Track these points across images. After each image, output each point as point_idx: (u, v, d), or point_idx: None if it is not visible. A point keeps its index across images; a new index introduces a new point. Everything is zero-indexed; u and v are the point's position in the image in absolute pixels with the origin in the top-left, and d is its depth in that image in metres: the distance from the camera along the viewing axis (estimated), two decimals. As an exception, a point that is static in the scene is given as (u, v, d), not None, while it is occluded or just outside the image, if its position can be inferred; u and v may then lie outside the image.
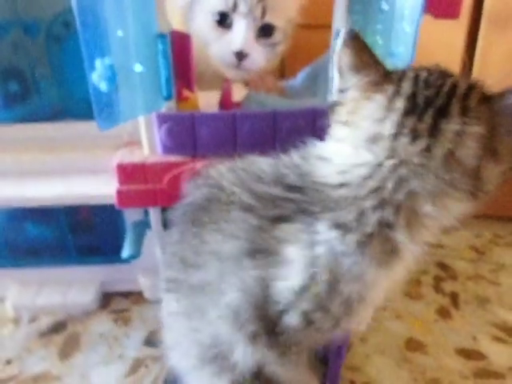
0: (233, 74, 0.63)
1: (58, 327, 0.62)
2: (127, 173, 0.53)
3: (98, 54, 0.41)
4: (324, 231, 0.33)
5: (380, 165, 0.32)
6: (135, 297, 0.67)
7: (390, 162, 0.32)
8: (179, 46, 0.50)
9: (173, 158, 0.53)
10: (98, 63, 0.41)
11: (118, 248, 0.64)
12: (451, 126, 0.31)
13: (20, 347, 0.59)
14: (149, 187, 0.53)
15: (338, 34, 0.46)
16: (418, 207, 0.32)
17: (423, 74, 0.33)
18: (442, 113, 0.31)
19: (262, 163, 0.38)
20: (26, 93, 0.56)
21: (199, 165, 0.53)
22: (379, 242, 0.33)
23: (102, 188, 0.55)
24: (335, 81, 0.36)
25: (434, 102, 0.32)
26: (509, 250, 0.81)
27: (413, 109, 0.32)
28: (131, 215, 0.62)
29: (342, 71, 0.35)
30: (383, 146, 0.32)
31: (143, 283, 0.65)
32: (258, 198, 0.36)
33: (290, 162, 0.37)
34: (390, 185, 0.32)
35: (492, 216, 0.89)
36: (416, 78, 0.33)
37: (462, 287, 0.70)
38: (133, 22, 0.43)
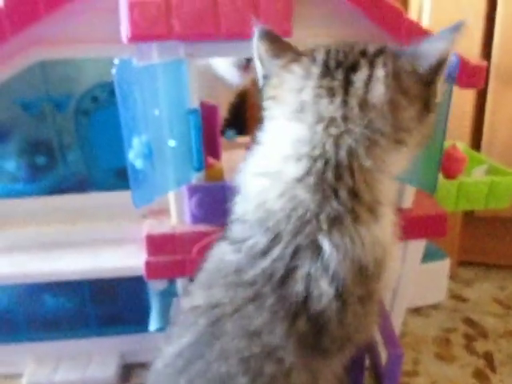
0: (238, 79, 0.63)
1: (78, 406, 0.59)
2: (156, 244, 0.52)
3: (136, 132, 0.42)
4: None
5: (314, 132, 0.34)
6: (157, 368, 0.64)
7: (321, 126, 0.34)
8: (207, 117, 0.51)
9: (202, 228, 0.52)
10: (136, 141, 0.42)
11: (140, 317, 0.63)
12: (359, 75, 0.34)
13: (39, 432, 0.55)
14: (178, 258, 0.53)
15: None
16: (362, 163, 0.34)
17: (333, 47, 0.37)
18: (353, 68, 0.35)
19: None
20: (53, 165, 0.56)
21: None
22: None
23: (128, 260, 0.54)
24: (258, 69, 0.39)
25: (344, 62, 0.35)
26: (535, 302, 0.79)
27: (326, 71, 0.35)
28: (155, 283, 0.61)
29: (263, 59, 0.38)
30: (310, 113, 0.34)
31: (166, 354, 0.63)
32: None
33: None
34: (328, 147, 0.34)
35: (512, 266, 0.89)
36: (328, 49, 0.37)
37: (495, 346, 0.68)
38: (167, 100, 0.44)
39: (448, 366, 0.64)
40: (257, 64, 0.38)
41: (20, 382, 0.62)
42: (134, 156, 0.42)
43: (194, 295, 0.39)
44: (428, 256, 0.66)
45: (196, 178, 0.51)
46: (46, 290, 0.62)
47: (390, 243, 0.37)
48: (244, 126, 1.24)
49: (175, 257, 0.53)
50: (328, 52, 0.36)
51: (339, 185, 0.34)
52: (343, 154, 0.34)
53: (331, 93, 0.34)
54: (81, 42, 0.48)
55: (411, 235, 0.56)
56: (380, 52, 0.35)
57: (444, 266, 0.74)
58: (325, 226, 0.34)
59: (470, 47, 0.74)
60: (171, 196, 0.51)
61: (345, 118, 0.33)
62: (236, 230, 0.38)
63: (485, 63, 0.47)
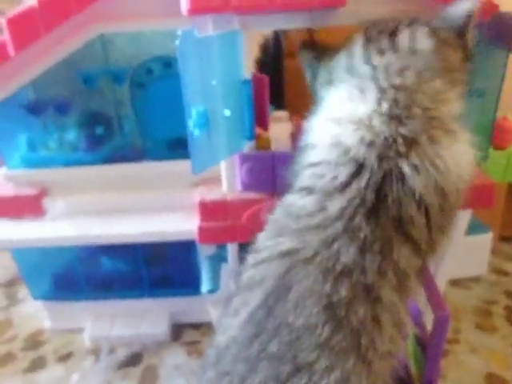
0: None
1: (134, 359, 0.64)
2: (208, 210, 0.55)
3: (195, 102, 0.44)
4: None
5: (375, 74, 0.38)
6: (206, 328, 0.69)
7: (381, 68, 0.38)
8: (257, 88, 0.53)
9: (252, 195, 0.55)
10: (194, 111, 0.44)
11: (190, 280, 0.67)
12: (403, 36, 0.39)
13: (102, 380, 0.61)
14: (228, 223, 0.55)
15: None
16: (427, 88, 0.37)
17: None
18: (394, 33, 0.39)
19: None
20: (110, 135, 0.59)
21: (277, 201, 0.54)
22: None
23: (181, 225, 0.57)
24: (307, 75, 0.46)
25: (385, 30, 0.40)
26: None
27: (369, 40, 0.40)
28: (204, 248, 0.64)
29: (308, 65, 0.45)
30: (365, 67, 0.39)
31: (214, 315, 0.67)
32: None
33: None
34: (394, 79, 0.37)
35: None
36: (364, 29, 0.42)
37: (536, 319, 0.68)
38: (222, 71, 0.46)
39: (488, 336, 0.65)
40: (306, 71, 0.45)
41: (81, 335, 0.68)
42: (193, 125, 0.44)
43: (260, 250, 0.38)
44: (471, 229, 0.66)
45: (247, 146, 0.53)
46: (104, 253, 0.67)
47: (467, 164, 0.37)
48: (282, 101, 1.25)
49: (226, 223, 0.55)
50: (366, 29, 0.41)
51: (413, 105, 0.36)
52: (409, 80, 0.37)
53: (380, 51, 0.39)
54: (141, 15, 0.50)
55: (458, 205, 0.56)
56: (414, 20, 0.40)
57: (486, 239, 0.74)
58: (402, 149, 0.35)
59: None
60: (222, 164, 0.54)
61: (400, 61, 0.38)
62: (305, 176, 0.38)
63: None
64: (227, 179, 0.55)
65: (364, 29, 0.41)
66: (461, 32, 0.40)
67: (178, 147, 0.59)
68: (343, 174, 0.35)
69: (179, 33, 0.39)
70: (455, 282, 0.77)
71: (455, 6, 0.40)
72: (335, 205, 0.35)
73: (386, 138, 0.35)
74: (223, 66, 0.46)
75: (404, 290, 0.35)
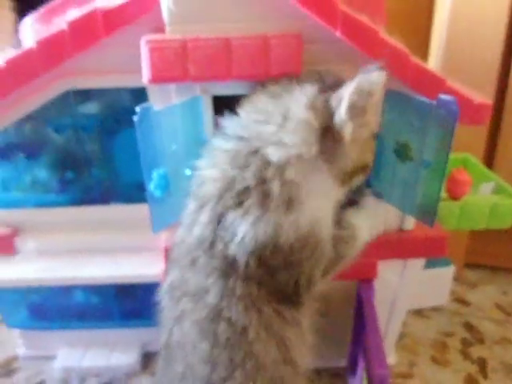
0: None
1: (104, 390, 0.67)
2: (173, 256, 0.57)
3: (155, 166, 0.46)
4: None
5: (239, 138, 0.41)
6: (174, 358, 0.71)
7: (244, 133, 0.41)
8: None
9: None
10: (155, 174, 0.46)
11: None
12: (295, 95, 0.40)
13: (71, 411, 0.63)
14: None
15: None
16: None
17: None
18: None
19: None
20: (81, 178, 0.61)
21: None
22: None
23: (147, 268, 0.59)
24: None
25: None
26: (536, 309, 0.82)
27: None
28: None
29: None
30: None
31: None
32: None
33: None
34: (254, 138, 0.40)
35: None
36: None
37: (489, 353, 0.72)
38: (184, 134, 0.48)
39: (442, 370, 0.69)
40: None
41: (53, 363, 0.70)
42: (154, 187, 0.47)
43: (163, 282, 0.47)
44: (433, 262, 0.69)
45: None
46: (76, 287, 0.69)
47: (316, 225, 0.40)
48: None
49: (190, 268, 0.58)
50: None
51: (247, 165, 0.39)
52: (258, 139, 0.39)
53: (272, 95, 0.41)
54: (108, 73, 0.51)
55: (411, 255, 0.59)
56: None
57: (448, 272, 0.77)
58: (231, 202, 0.39)
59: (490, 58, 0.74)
60: (187, 214, 0.56)
61: (270, 114, 0.39)
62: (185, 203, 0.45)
63: (489, 102, 0.49)
64: (191, 227, 0.57)
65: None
66: (333, 111, 0.38)
67: (145, 190, 0.61)
68: (193, 206, 0.42)
69: (137, 109, 0.41)
70: (416, 312, 0.80)
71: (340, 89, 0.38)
72: (188, 240, 0.42)
73: (224, 184, 0.39)
74: (185, 129, 0.48)
75: (260, 315, 0.40)
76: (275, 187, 0.38)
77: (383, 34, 0.44)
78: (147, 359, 0.71)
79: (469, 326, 0.78)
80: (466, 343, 0.74)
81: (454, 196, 0.60)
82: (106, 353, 0.70)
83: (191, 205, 0.43)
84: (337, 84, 0.39)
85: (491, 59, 0.75)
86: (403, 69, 0.45)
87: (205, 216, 0.40)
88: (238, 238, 0.38)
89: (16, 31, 0.74)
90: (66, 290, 0.69)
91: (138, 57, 0.46)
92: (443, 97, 0.43)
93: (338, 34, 0.44)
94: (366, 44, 0.44)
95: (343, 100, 0.37)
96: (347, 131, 0.38)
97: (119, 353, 0.70)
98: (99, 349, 0.70)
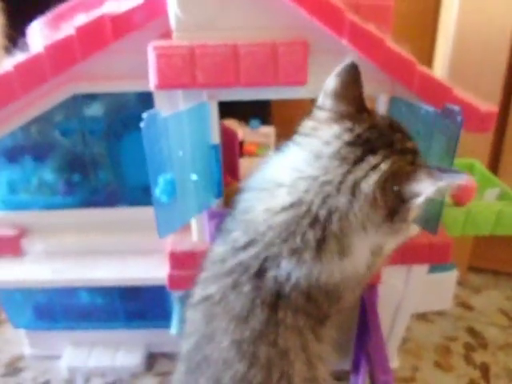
0: None
1: (108, 390, 0.68)
2: (178, 259, 0.57)
3: (161, 171, 0.46)
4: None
5: (313, 179, 0.38)
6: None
7: (321, 178, 0.37)
8: (227, 140, 0.55)
9: (220, 247, 0.58)
10: (161, 180, 0.46)
11: (163, 314, 0.70)
12: (369, 161, 0.37)
13: (76, 411, 0.64)
14: (197, 272, 0.58)
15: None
16: (333, 228, 0.38)
17: (380, 123, 0.39)
18: (371, 151, 0.37)
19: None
20: (88, 181, 0.61)
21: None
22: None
23: (153, 271, 0.60)
24: (320, 97, 0.41)
25: (368, 143, 0.38)
26: (540, 315, 0.82)
27: (353, 142, 0.38)
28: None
29: (326, 94, 0.40)
30: (319, 164, 0.38)
31: (186, 347, 0.70)
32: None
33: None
34: (316, 199, 0.37)
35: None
36: (368, 125, 0.39)
37: (492, 358, 0.72)
38: (191, 140, 0.48)
39: (444, 375, 0.69)
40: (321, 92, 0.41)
41: (59, 362, 0.71)
42: (160, 192, 0.47)
43: (194, 293, 0.45)
44: (436, 266, 0.69)
45: (215, 203, 0.55)
46: (82, 288, 0.70)
47: (360, 267, 0.40)
48: (268, 117, 1.27)
49: (195, 271, 0.58)
50: (366, 128, 0.39)
51: (309, 229, 0.38)
52: (324, 210, 0.37)
53: (343, 161, 0.37)
54: (114, 78, 0.52)
55: (415, 261, 0.59)
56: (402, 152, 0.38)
57: (451, 276, 0.77)
58: (285, 252, 0.38)
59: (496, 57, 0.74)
60: (193, 219, 0.56)
61: (339, 186, 0.37)
62: (227, 221, 0.44)
63: (495, 109, 0.49)
64: (197, 231, 0.58)
65: (365, 127, 0.39)
66: (404, 197, 0.37)
67: (151, 194, 0.61)
68: (243, 239, 0.40)
69: (144, 115, 0.41)
70: (420, 316, 0.81)
71: (419, 177, 0.36)
72: (233, 260, 0.40)
73: (279, 236, 0.38)
74: (192, 135, 0.48)
75: (303, 338, 0.40)
76: (333, 243, 0.38)
77: (390, 43, 0.44)
78: (152, 360, 0.72)
79: (472, 331, 0.78)
80: (469, 348, 0.74)
81: (459, 202, 0.60)
82: (111, 353, 0.70)
83: (240, 234, 0.41)
84: (404, 159, 0.38)
85: (497, 64, 0.75)
86: (410, 77, 0.45)
87: (253, 251, 0.40)
88: (291, 281, 0.38)
89: (3, 33, 0.74)
90: (72, 290, 0.69)
91: (146, 63, 0.46)
92: (449, 106, 0.43)
93: (344, 42, 0.44)
94: (372, 53, 0.44)
95: (421, 196, 0.36)
96: (411, 216, 0.39)
97: (124, 353, 0.70)
98: (104, 349, 0.71)
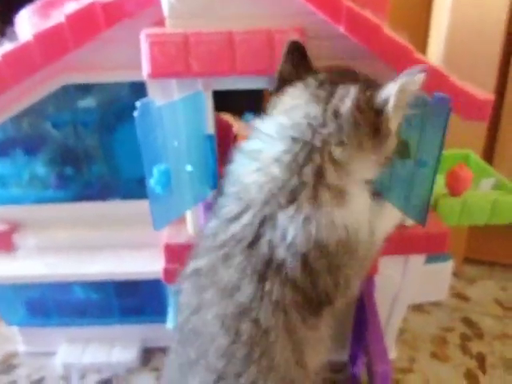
0: None
1: (104, 386, 0.67)
2: (173, 252, 0.57)
3: (156, 162, 0.45)
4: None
5: (298, 122, 0.40)
6: (174, 354, 0.71)
7: (305, 119, 0.40)
8: (222, 131, 0.54)
9: (216, 239, 0.57)
10: (155, 170, 0.45)
11: (160, 309, 0.69)
12: (339, 91, 0.41)
13: (71, 407, 0.63)
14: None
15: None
16: (332, 152, 0.40)
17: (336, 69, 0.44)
18: (339, 85, 0.41)
19: None
20: (80, 174, 0.60)
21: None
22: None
23: (148, 265, 0.59)
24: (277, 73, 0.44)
25: (335, 81, 0.42)
26: (534, 304, 0.82)
27: (321, 85, 0.42)
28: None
29: (280, 79, 0.43)
30: (298, 110, 0.41)
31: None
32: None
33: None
34: (307, 132, 0.40)
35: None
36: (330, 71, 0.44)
37: (488, 348, 0.72)
38: (186, 130, 0.47)
39: (441, 366, 0.69)
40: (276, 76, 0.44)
41: (53, 359, 0.70)
42: (155, 184, 0.46)
43: (186, 268, 0.46)
44: (432, 257, 0.69)
45: (211, 195, 0.54)
46: (76, 283, 0.69)
47: (360, 226, 0.41)
48: (262, 110, 1.26)
49: (191, 263, 0.58)
50: (326, 75, 0.43)
51: (307, 163, 0.39)
52: (318, 140, 0.40)
53: (319, 99, 0.41)
54: (106, 68, 0.51)
55: (412, 251, 0.59)
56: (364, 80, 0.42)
57: (447, 267, 0.77)
58: (283, 201, 0.39)
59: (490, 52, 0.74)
60: (188, 211, 0.56)
61: (324, 117, 0.40)
62: (218, 201, 0.44)
63: (492, 97, 0.48)
64: (193, 224, 0.57)
65: (327, 74, 0.43)
66: (379, 107, 0.40)
67: (146, 186, 0.60)
68: (235, 209, 0.41)
69: (137, 104, 0.41)
70: (416, 307, 0.81)
71: (383, 89, 0.40)
72: (224, 234, 0.41)
73: (276, 186, 0.39)
74: (186, 125, 0.47)
75: (287, 317, 0.40)
76: (331, 178, 0.39)
77: (387, 30, 0.44)
78: (148, 355, 0.71)
79: (468, 322, 0.78)
80: (465, 338, 0.74)
81: (455, 192, 0.60)
82: (107, 349, 0.69)
83: (232, 206, 0.41)
84: (370, 83, 0.42)
85: (491, 55, 0.74)
86: (407, 65, 0.44)
87: (247, 218, 0.40)
88: (288, 239, 0.38)
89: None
90: (65, 286, 0.68)
91: (139, 52, 0.45)
92: (437, 94, 0.43)
93: (341, 29, 0.43)
94: (369, 40, 0.43)
95: (390, 98, 0.39)
96: (393, 125, 0.41)
97: (119, 349, 0.70)
98: (99, 345, 0.70)
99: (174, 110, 0.45)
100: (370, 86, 0.41)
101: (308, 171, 0.39)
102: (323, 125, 0.40)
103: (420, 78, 0.39)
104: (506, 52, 0.75)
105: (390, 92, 0.39)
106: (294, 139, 0.40)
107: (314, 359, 0.43)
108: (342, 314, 0.62)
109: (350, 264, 0.41)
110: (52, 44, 0.46)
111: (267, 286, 0.39)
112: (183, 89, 0.47)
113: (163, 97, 0.48)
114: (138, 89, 0.52)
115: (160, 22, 0.47)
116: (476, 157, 0.73)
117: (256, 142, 0.42)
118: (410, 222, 0.59)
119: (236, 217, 0.41)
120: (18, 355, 0.72)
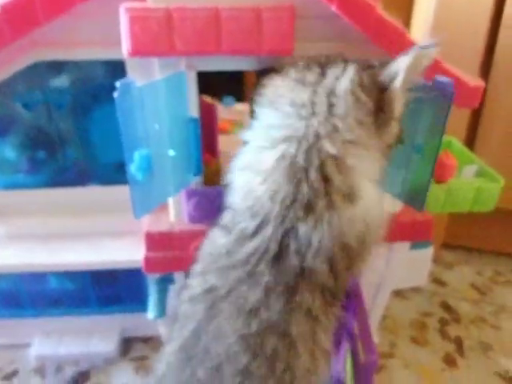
0: None
1: (81, 378, 0.64)
2: (155, 240, 0.54)
3: (137, 146, 0.43)
4: None
5: (287, 116, 0.38)
6: (154, 342, 0.70)
7: (293, 109, 0.37)
8: (205, 115, 0.52)
9: (198, 226, 0.55)
10: (136, 155, 0.43)
11: (139, 297, 0.67)
12: (333, 70, 0.38)
13: (47, 401, 0.61)
14: (175, 254, 0.55)
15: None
16: (328, 149, 0.37)
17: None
18: (328, 66, 0.39)
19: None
20: (53, 158, 0.57)
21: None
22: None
23: (127, 253, 0.57)
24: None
25: (322, 63, 0.39)
26: (508, 288, 0.84)
27: (307, 67, 0.39)
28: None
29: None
30: (284, 99, 0.38)
31: (163, 331, 0.68)
32: None
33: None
34: (300, 128, 0.37)
35: (492, 251, 0.93)
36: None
37: (465, 332, 0.74)
38: (168, 112, 0.45)
39: (421, 350, 0.70)
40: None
41: (27, 351, 0.67)
42: (135, 169, 0.43)
43: (191, 286, 0.41)
44: (413, 243, 0.69)
45: (194, 181, 0.52)
46: (50, 273, 0.66)
47: (375, 217, 0.39)
48: (242, 93, 1.23)
49: (173, 253, 0.55)
50: (310, 59, 0.40)
51: (308, 165, 0.37)
52: (311, 134, 0.36)
53: (307, 84, 0.38)
54: (81, 44, 0.47)
55: (397, 238, 0.59)
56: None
57: (428, 253, 0.78)
58: (300, 213, 0.37)
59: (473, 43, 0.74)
60: (170, 198, 0.53)
61: (312, 102, 0.37)
62: (226, 217, 0.41)
63: (482, 83, 0.48)
64: (175, 211, 0.55)
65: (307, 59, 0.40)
66: (384, 84, 0.38)
67: (125, 171, 0.58)
68: (252, 225, 0.38)
69: (117, 84, 0.38)
70: (396, 293, 0.82)
71: (390, 64, 0.38)
72: (244, 250, 0.38)
73: (286, 195, 0.37)
74: (168, 107, 0.45)
75: (315, 323, 0.39)
76: (337, 181, 0.37)
77: (380, 10, 0.42)
78: (127, 345, 0.69)
79: (446, 306, 0.80)
80: (443, 323, 0.76)
81: (439, 179, 0.60)
82: (84, 339, 0.67)
83: (248, 221, 0.38)
84: (365, 64, 0.39)
85: (476, 43, 0.74)
86: (400, 47, 0.43)
87: (267, 232, 0.37)
88: (314, 246, 0.36)
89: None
90: (39, 276, 0.65)
91: (117, 28, 0.42)
92: (439, 78, 0.42)
93: (333, 8, 0.41)
94: (362, 20, 0.42)
95: (399, 74, 0.36)
96: (398, 105, 0.38)
97: (97, 339, 0.67)
98: (76, 336, 0.67)
99: (156, 91, 0.42)
100: (367, 65, 0.39)
101: (314, 176, 0.36)
102: (312, 113, 0.37)
103: (433, 52, 0.36)
104: (490, 39, 0.74)
105: (399, 66, 0.36)
106: (286, 139, 0.37)
107: (323, 365, 0.41)
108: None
109: (363, 255, 0.40)
110: (21, 17, 0.42)
111: (298, 297, 0.37)
112: (165, 69, 0.44)
113: (143, 77, 0.45)
114: (115, 68, 0.49)
115: (141, -4, 0.44)
116: (458, 143, 0.73)
117: (250, 155, 0.40)
118: (394, 209, 0.59)
119: (255, 232, 0.38)
120: (-10, 348, 0.69)
